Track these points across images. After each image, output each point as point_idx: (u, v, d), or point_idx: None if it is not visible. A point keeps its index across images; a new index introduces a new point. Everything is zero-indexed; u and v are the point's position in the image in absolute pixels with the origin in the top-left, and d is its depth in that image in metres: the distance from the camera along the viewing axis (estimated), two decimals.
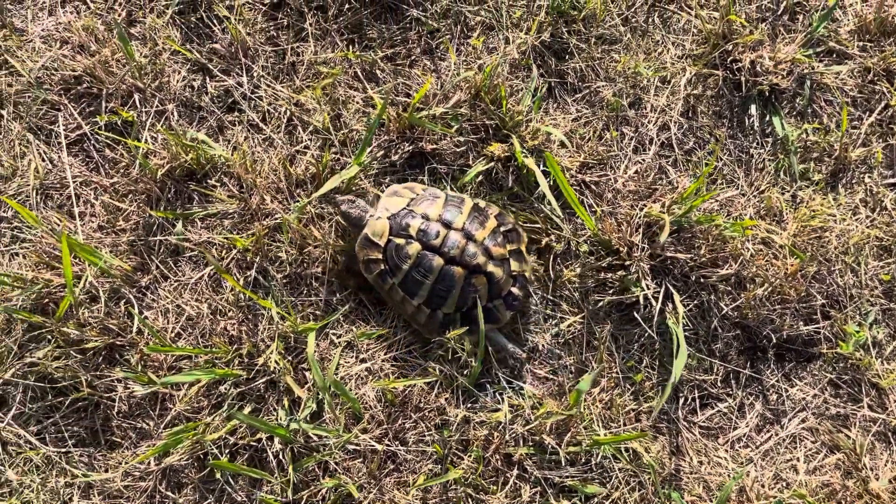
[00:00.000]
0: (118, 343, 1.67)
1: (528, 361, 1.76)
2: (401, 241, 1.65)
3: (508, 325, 1.76)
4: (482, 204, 1.76)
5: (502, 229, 1.73)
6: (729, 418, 1.77)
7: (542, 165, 1.83)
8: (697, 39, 2.05)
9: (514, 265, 1.71)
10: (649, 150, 1.93)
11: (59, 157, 1.83)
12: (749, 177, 1.94)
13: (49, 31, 1.93)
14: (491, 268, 1.66)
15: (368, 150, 1.81)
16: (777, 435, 1.76)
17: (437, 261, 1.63)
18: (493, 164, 1.85)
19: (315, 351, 1.63)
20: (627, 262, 1.77)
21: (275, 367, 1.63)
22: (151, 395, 1.66)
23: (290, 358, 1.66)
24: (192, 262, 1.77)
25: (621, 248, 1.76)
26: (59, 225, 1.75)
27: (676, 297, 1.74)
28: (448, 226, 1.66)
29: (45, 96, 1.85)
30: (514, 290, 1.71)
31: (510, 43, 1.98)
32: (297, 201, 1.80)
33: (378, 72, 1.98)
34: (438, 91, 1.90)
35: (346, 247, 1.76)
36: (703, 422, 1.77)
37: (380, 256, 1.66)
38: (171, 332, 1.70)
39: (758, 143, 1.97)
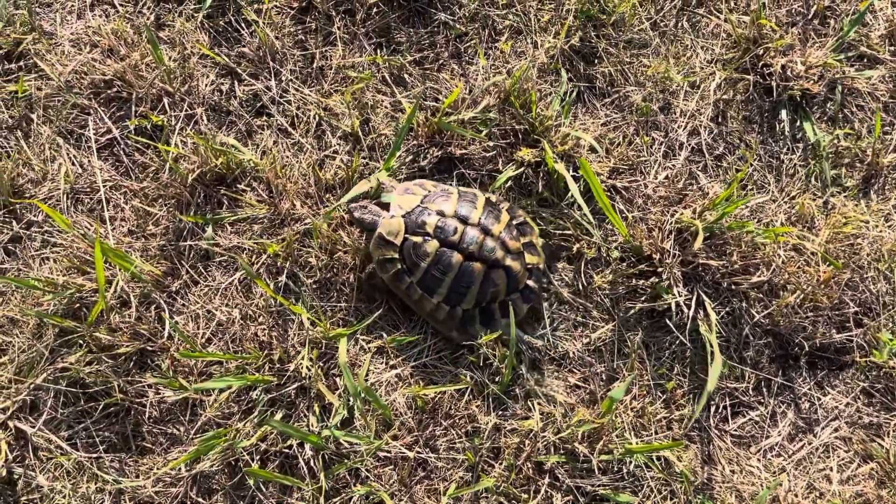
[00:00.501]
0: (149, 348, 1.65)
1: (544, 354, 1.73)
2: (418, 238, 1.62)
3: (525, 318, 1.74)
4: (493, 198, 1.74)
5: (514, 222, 1.71)
6: (761, 427, 1.75)
7: (571, 170, 1.80)
8: (727, 44, 2.02)
9: (528, 258, 1.69)
10: (679, 155, 1.90)
11: (89, 161, 1.81)
12: (780, 182, 1.91)
13: (78, 35, 1.91)
14: (509, 262, 1.64)
15: (397, 154, 1.79)
16: (810, 444, 1.73)
17: (457, 257, 1.61)
18: (522, 169, 1.82)
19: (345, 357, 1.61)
20: (659, 269, 1.74)
21: (306, 374, 1.61)
22: (182, 400, 1.64)
23: (320, 364, 1.65)
24: (221, 267, 1.75)
25: (653, 255, 1.74)
26: (90, 229, 1.73)
27: (708, 305, 1.71)
28: (465, 221, 1.63)
29: (75, 100, 1.83)
30: (531, 283, 1.69)
31: (538, 47, 1.95)
32: (327, 206, 1.78)
33: (406, 76, 1.96)
34: (467, 96, 1.88)
35: (366, 254, 1.74)
36: (735, 430, 1.74)
37: (396, 255, 1.63)
38: (202, 337, 1.68)
39: (788, 149, 1.94)
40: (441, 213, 1.64)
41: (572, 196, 1.78)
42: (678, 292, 1.73)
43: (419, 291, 1.64)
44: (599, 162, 1.85)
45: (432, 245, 1.61)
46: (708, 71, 1.98)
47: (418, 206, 1.65)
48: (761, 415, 1.76)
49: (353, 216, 1.69)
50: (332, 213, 1.72)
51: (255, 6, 1.97)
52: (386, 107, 1.91)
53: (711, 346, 1.62)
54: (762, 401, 1.77)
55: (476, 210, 1.65)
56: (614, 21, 1.98)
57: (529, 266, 1.70)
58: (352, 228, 1.75)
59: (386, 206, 1.69)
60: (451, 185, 1.80)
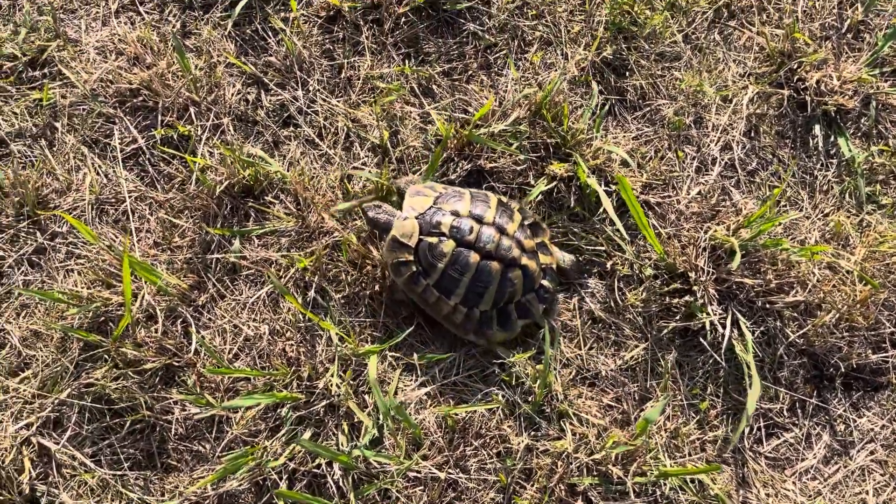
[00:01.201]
0: (175, 363, 1.61)
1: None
2: (433, 239, 1.57)
3: (540, 318, 1.69)
4: (505, 199, 1.70)
5: (526, 223, 1.67)
6: (796, 449, 1.70)
7: (603, 185, 1.76)
8: (759, 57, 1.97)
9: (542, 258, 1.66)
10: (712, 170, 1.86)
11: (115, 171, 1.77)
12: (813, 199, 1.86)
13: (103, 42, 1.87)
14: (525, 260, 1.60)
15: (433, 174, 1.75)
16: (846, 467, 1.69)
17: (474, 257, 1.56)
18: (555, 183, 1.77)
19: (376, 375, 1.57)
20: (693, 287, 1.69)
21: (336, 392, 1.57)
22: (208, 417, 1.60)
23: (348, 381, 1.60)
24: (248, 281, 1.70)
25: (688, 273, 1.69)
26: (115, 241, 1.69)
27: (743, 325, 1.67)
28: (479, 220, 1.59)
29: (100, 109, 1.79)
30: (545, 282, 1.65)
31: (569, 59, 1.90)
32: (356, 220, 1.73)
33: (434, 87, 1.91)
34: (497, 108, 1.83)
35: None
36: (770, 452, 1.69)
37: (410, 258, 1.58)
38: (229, 352, 1.63)
39: (822, 165, 1.89)
40: (455, 213, 1.59)
41: (604, 211, 1.74)
42: (712, 311, 1.68)
43: (436, 294, 1.59)
44: (631, 176, 1.80)
45: (449, 245, 1.57)
46: (740, 85, 1.94)
47: (431, 206, 1.61)
48: (796, 436, 1.71)
49: (367, 216, 1.65)
50: (349, 207, 1.66)
51: (282, 14, 1.92)
52: (414, 118, 1.87)
53: (749, 367, 1.58)
54: (797, 422, 1.72)
55: (490, 209, 1.61)
56: (646, 33, 1.93)
57: (543, 266, 1.66)
58: (382, 243, 1.71)
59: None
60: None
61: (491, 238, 1.57)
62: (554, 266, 1.69)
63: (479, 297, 1.59)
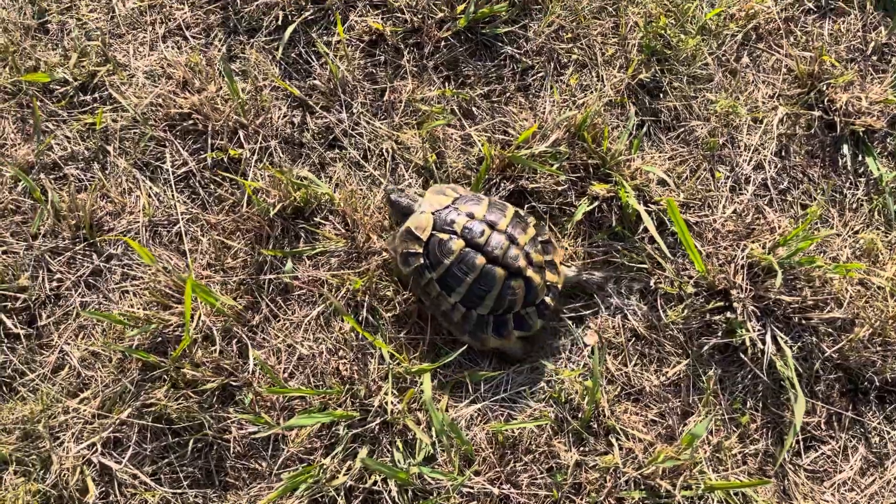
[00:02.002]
0: (232, 383, 1.63)
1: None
2: (444, 236, 1.61)
3: (538, 333, 1.72)
4: (522, 213, 1.73)
5: (539, 239, 1.70)
6: (833, 461, 1.73)
7: (642, 204, 1.80)
8: (788, 79, 2.01)
9: (549, 275, 1.68)
10: (746, 189, 1.90)
11: (167, 193, 1.79)
12: (843, 217, 1.90)
13: (152, 67, 1.89)
14: (530, 273, 1.63)
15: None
16: (881, 478, 1.72)
17: (480, 259, 1.59)
18: (597, 203, 1.81)
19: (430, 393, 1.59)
20: (734, 304, 1.73)
21: (391, 409, 1.59)
22: (265, 436, 1.62)
23: (406, 401, 1.62)
24: (301, 301, 1.73)
25: (729, 290, 1.73)
26: (171, 263, 1.71)
27: (782, 341, 1.70)
28: (492, 226, 1.62)
29: (151, 132, 1.81)
30: (548, 299, 1.68)
31: (604, 81, 1.94)
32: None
33: (474, 109, 1.94)
34: (537, 129, 1.87)
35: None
36: (809, 465, 1.72)
37: (420, 250, 1.61)
38: (284, 371, 1.66)
39: (851, 183, 1.93)
40: (470, 215, 1.63)
41: (644, 230, 1.77)
42: (751, 327, 1.72)
43: (437, 289, 1.62)
44: (669, 196, 1.84)
45: (458, 243, 1.60)
46: (770, 105, 1.98)
47: (448, 206, 1.65)
48: (833, 449, 1.75)
49: (390, 198, 1.69)
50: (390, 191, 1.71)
51: (325, 38, 1.95)
52: (456, 140, 1.90)
53: (792, 383, 1.61)
54: (833, 435, 1.75)
55: (505, 218, 1.64)
56: (678, 55, 1.97)
57: (549, 283, 1.68)
58: None
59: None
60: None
61: (500, 244, 1.60)
62: (559, 285, 1.71)
63: (479, 300, 1.62)
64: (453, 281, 1.61)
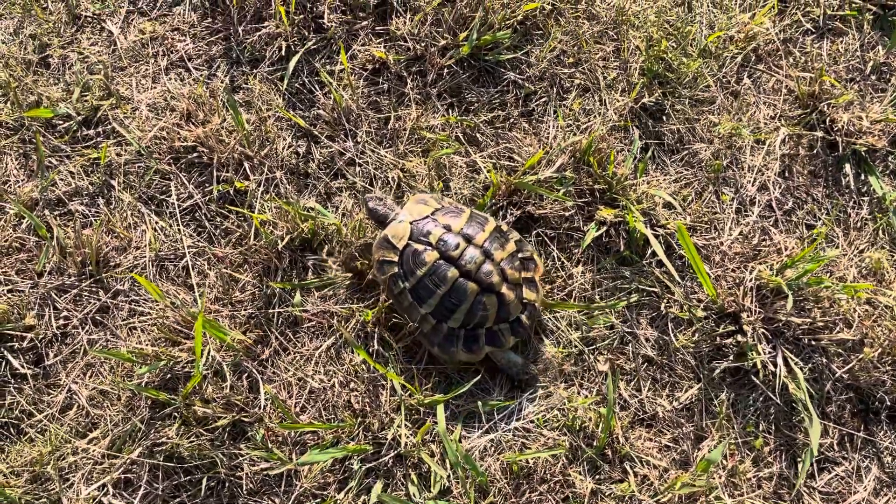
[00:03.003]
0: (243, 419, 1.60)
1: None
2: (420, 246, 1.60)
3: (513, 349, 1.70)
4: (504, 227, 1.72)
5: (520, 255, 1.68)
6: (847, 482, 1.72)
7: (649, 228, 1.79)
8: (788, 99, 2.02)
9: (526, 293, 1.66)
10: (751, 211, 1.89)
11: (172, 227, 1.77)
12: (848, 236, 1.90)
13: (155, 100, 1.88)
14: (504, 290, 1.61)
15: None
16: (895, 498, 1.71)
17: (452, 272, 1.58)
18: (605, 229, 1.80)
19: (444, 425, 1.57)
20: (744, 327, 1.72)
21: (405, 442, 1.57)
22: (278, 472, 1.59)
23: (421, 434, 1.60)
24: (310, 333, 1.71)
25: (739, 313, 1.72)
26: (178, 298, 1.69)
27: (793, 363, 1.70)
28: (469, 240, 1.61)
29: (156, 166, 1.79)
30: (523, 317, 1.66)
31: (606, 105, 1.94)
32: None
33: (479, 135, 1.94)
34: (543, 155, 1.86)
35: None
36: (823, 487, 1.71)
37: (395, 259, 1.61)
38: (295, 406, 1.63)
39: (855, 203, 1.94)
40: (447, 228, 1.62)
41: (652, 254, 1.77)
42: (762, 349, 1.71)
43: (409, 299, 1.61)
44: (676, 219, 1.84)
45: (431, 255, 1.59)
46: (772, 126, 1.98)
47: (428, 216, 1.64)
48: (847, 470, 1.73)
49: (367, 206, 1.69)
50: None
51: (329, 68, 1.94)
52: (461, 166, 1.89)
53: (806, 407, 1.61)
54: (846, 456, 1.74)
55: (483, 233, 1.63)
56: (680, 78, 1.97)
57: (525, 301, 1.67)
58: None
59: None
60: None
61: (473, 259, 1.59)
62: (538, 304, 1.69)
63: (449, 313, 1.60)
64: (425, 292, 1.59)
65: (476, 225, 1.64)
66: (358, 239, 1.73)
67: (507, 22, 1.96)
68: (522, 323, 1.66)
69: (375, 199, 1.70)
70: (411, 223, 1.62)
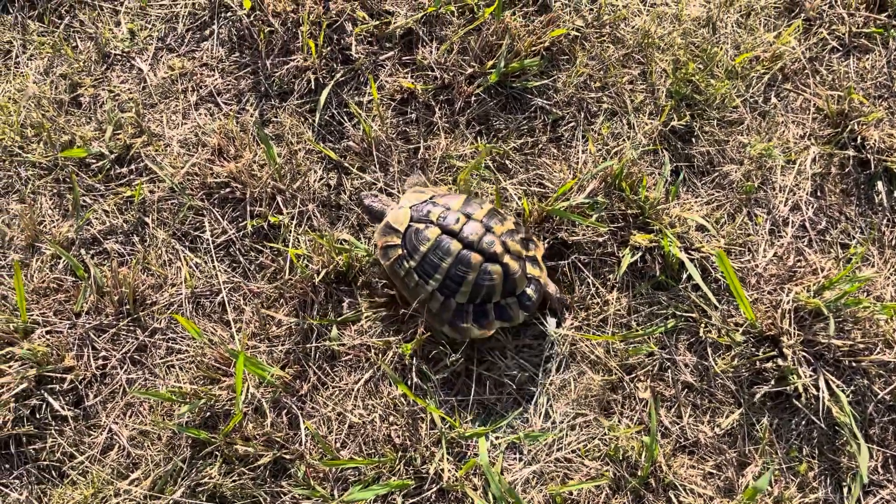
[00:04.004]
0: (284, 456, 1.59)
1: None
2: (421, 225, 1.62)
3: (520, 326, 1.71)
4: (502, 211, 1.74)
5: (518, 235, 1.69)
6: None
7: (683, 252, 1.77)
8: (817, 118, 2.00)
9: (530, 268, 1.67)
10: (785, 231, 1.87)
11: (207, 263, 1.76)
12: (883, 255, 1.88)
13: (185, 136, 1.88)
14: (507, 259, 1.62)
15: None
16: None
17: (455, 244, 1.59)
18: (640, 254, 1.78)
19: (487, 458, 1.55)
20: (784, 351, 1.70)
21: (448, 477, 1.55)
22: None
23: (455, 462, 1.58)
24: (348, 367, 1.69)
25: (781, 338, 1.70)
26: (214, 334, 1.68)
27: (835, 386, 1.67)
28: (468, 216, 1.63)
29: (190, 202, 1.79)
30: (529, 290, 1.66)
31: (635, 129, 1.93)
32: None
33: (508, 162, 1.93)
34: (572, 179, 1.85)
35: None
36: None
37: (398, 242, 1.62)
38: (336, 441, 1.62)
39: (889, 220, 1.91)
40: (446, 207, 1.64)
41: (688, 278, 1.75)
42: (803, 373, 1.69)
43: (416, 277, 1.61)
44: (710, 242, 1.82)
45: (433, 231, 1.60)
46: (802, 146, 1.96)
47: (426, 200, 1.66)
48: (892, 493, 1.70)
49: (364, 203, 1.73)
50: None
51: (357, 99, 1.94)
52: (491, 194, 1.88)
53: (852, 432, 1.58)
54: (891, 479, 1.71)
55: (481, 210, 1.65)
56: (708, 100, 1.96)
57: (531, 276, 1.66)
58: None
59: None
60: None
61: (475, 230, 1.60)
62: (542, 280, 1.69)
63: (456, 286, 1.60)
64: (430, 267, 1.60)
65: (474, 204, 1.67)
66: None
67: (534, 48, 1.96)
68: (529, 296, 1.66)
69: (371, 196, 1.74)
70: (411, 208, 1.65)
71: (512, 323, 1.65)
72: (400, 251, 1.63)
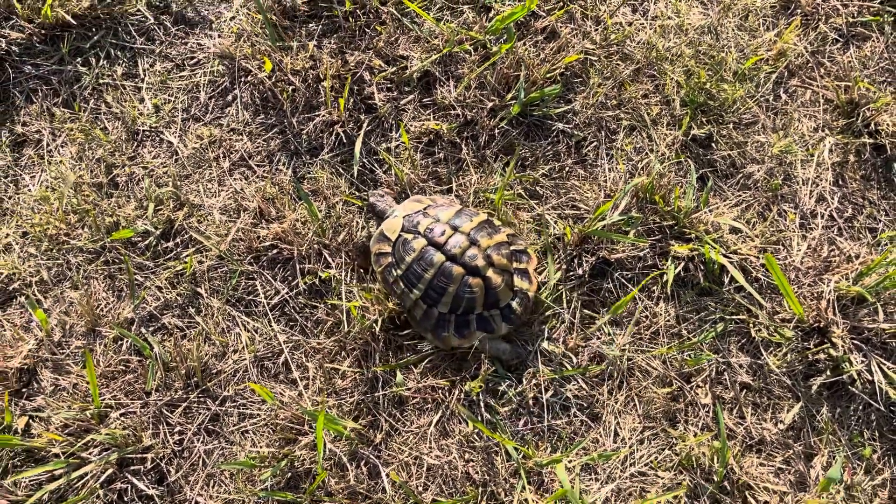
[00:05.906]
0: None
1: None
2: (409, 235, 1.67)
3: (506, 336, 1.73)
4: (496, 222, 1.76)
5: (511, 248, 1.72)
6: None
7: (723, 255, 1.80)
8: (828, 109, 2.04)
9: (518, 282, 1.70)
10: (815, 223, 1.91)
11: (265, 326, 1.77)
12: None
13: (224, 202, 1.89)
14: (490, 273, 1.65)
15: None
16: None
17: (438, 256, 1.64)
18: (682, 263, 1.81)
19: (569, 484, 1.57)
20: (834, 339, 1.73)
21: None
22: None
23: (537, 491, 1.60)
24: (416, 410, 1.71)
25: (831, 328, 1.73)
26: (283, 395, 1.69)
27: (888, 369, 1.70)
28: (455, 228, 1.68)
29: (240, 268, 1.80)
30: (514, 304, 1.69)
31: (655, 141, 1.96)
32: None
33: (538, 189, 1.95)
34: (602, 198, 1.88)
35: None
36: None
37: (388, 250, 1.68)
38: (417, 485, 1.63)
39: None
40: (436, 219, 1.69)
41: (731, 281, 1.78)
42: (854, 359, 1.72)
43: (402, 285, 1.66)
44: (745, 243, 1.85)
45: (420, 242, 1.65)
46: (817, 138, 2.00)
47: (419, 210, 1.71)
48: None
49: (369, 201, 1.80)
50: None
51: (384, 145, 1.96)
52: (528, 221, 1.91)
53: None
54: None
55: (470, 223, 1.69)
56: (722, 104, 1.99)
57: (516, 289, 1.69)
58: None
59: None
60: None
61: (458, 244, 1.65)
62: (531, 294, 1.71)
63: (438, 296, 1.64)
64: (414, 277, 1.65)
65: (465, 216, 1.70)
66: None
67: (549, 76, 1.99)
68: (512, 309, 1.69)
69: (377, 195, 1.80)
70: (404, 217, 1.70)
71: (494, 334, 1.69)
72: (390, 259, 1.69)
